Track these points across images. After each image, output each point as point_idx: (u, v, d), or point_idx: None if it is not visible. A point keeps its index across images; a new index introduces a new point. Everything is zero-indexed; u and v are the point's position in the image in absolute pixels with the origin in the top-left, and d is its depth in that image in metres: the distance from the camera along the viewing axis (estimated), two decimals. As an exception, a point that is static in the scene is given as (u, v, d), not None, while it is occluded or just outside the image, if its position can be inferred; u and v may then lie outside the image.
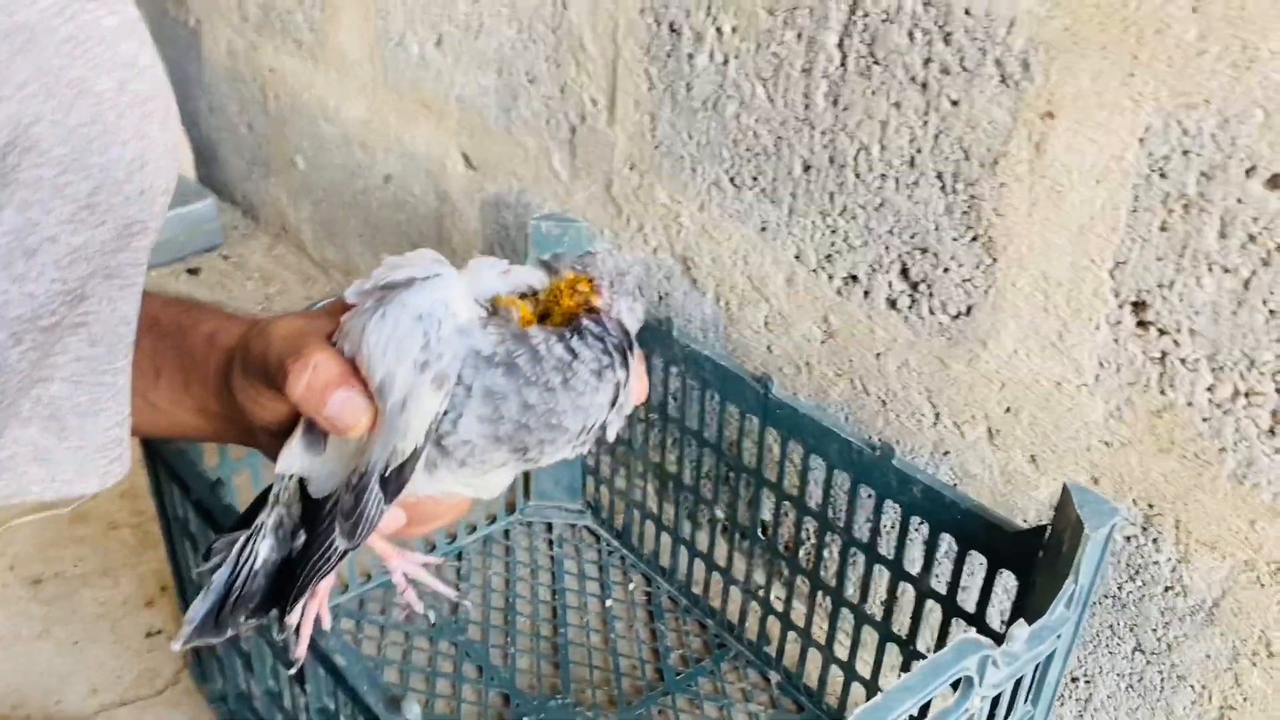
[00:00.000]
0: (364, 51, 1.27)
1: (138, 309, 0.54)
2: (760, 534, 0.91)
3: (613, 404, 0.45)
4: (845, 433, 0.77)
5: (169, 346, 0.60)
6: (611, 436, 0.47)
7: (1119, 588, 0.74)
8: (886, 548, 0.79)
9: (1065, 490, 0.64)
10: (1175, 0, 0.59)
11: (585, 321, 0.44)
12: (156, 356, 0.59)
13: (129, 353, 0.55)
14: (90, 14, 0.48)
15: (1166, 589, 0.72)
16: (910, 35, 0.72)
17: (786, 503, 0.86)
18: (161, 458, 0.75)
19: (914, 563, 0.78)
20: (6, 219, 0.46)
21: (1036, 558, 0.67)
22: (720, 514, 0.93)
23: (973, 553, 0.72)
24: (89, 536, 1.05)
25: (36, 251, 0.47)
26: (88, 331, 0.52)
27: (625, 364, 0.45)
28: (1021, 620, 0.59)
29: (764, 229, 0.88)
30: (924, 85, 0.73)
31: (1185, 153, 0.61)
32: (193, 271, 1.56)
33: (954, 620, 0.75)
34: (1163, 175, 0.63)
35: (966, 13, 0.69)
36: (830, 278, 0.84)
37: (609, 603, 0.99)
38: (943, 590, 0.75)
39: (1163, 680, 0.74)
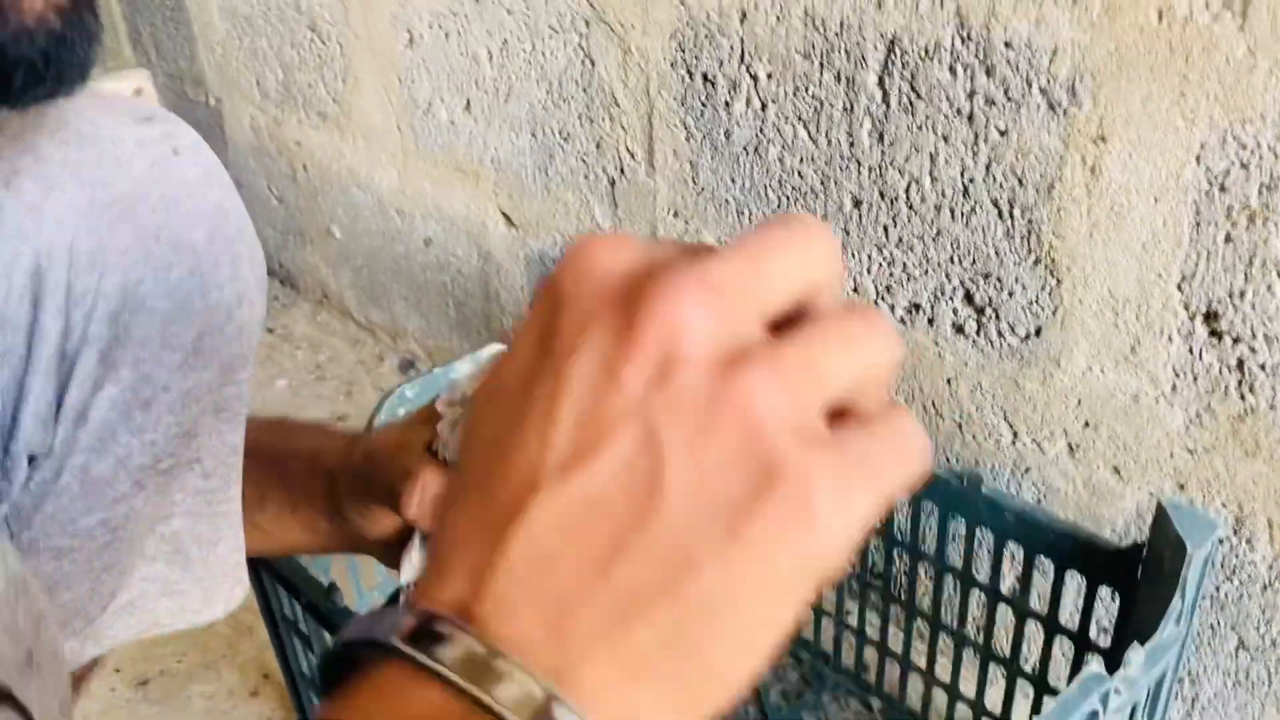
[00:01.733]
0: (391, 120, 1.28)
1: (242, 439, 0.56)
2: (849, 565, 0.92)
3: None
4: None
5: (272, 472, 0.62)
6: None
7: (1217, 588, 0.75)
8: (981, 573, 0.80)
9: (1160, 508, 0.65)
10: (1221, 19, 0.60)
11: None
12: (261, 483, 0.61)
13: (239, 481, 0.57)
14: (178, 170, 0.50)
15: (1265, 587, 0.72)
16: (951, 70, 0.73)
17: (874, 538, 0.87)
18: (264, 562, 0.77)
19: (1010, 585, 0.79)
20: (123, 377, 0.48)
21: (1136, 574, 0.68)
22: (804, 547, 0.94)
23: (1070, 571, 0.73)
24: (186, 632, 1.07)
25: (152, 403, 0.49)
26: (201, 466, 0.54)
27: None
28: (1135, 644, 0.60)
29: (818, 265, 0.89)
30: (970, 117, 0.74)
31: (1244, 166, 0.62)
32: (242, 348, 1.58)
33: (1056, 637, 0.76)
34: (1223, 189, 0.64)
35: (1007, 45, 0.70)
36: (892, 308, 0.85)
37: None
38: (1042, 610, 0.76)
39: (1270, 674, 0.75)
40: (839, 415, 0.27)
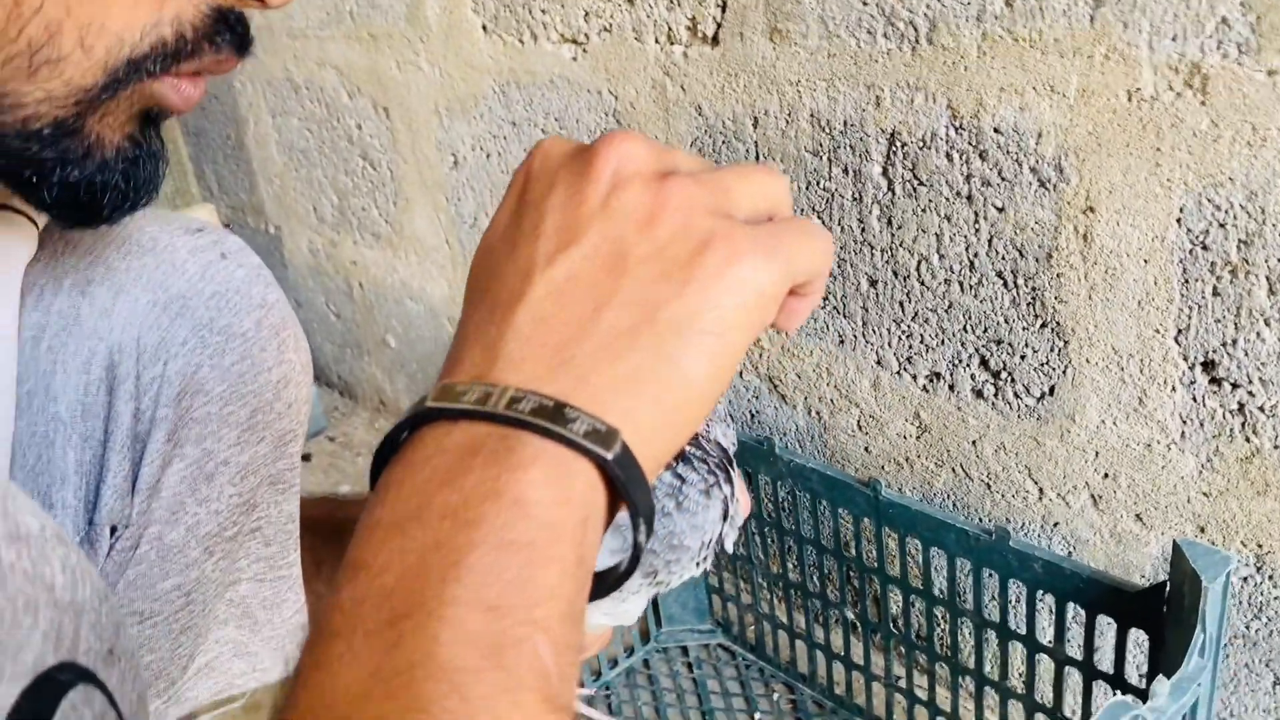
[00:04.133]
0: (440, 235, 1.38)
1: (298, 508, 0.62)
2: (892, 628, 0.95)
3: (724, 517, 0.52)
4: (959, 522, 0.82)
5: (324, 541, 0.69)
6: (730, 547, 0.53)
7: (1246, 626, 0.78)
8: (1017, 623, 0.83)
9: (1176, 546, 0.68)
10: (1184, 97, 0.66)
11: (686, 448, 0.51)
12: (315, 551, 0.68)
13: (297, 548, 0.63)
14: (226, 270, 0.58)
15: (1293, 622, 0.75)
16: (948, 156, 0.80)
17: (913, 595, 0.91)
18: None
19: (1046, 633, 0.82)
20: (188, 453, 0.55)
21: (1162, 613, 0.72)
22: (850, 615, 0.98)
23: (1101, 616, 0.76)
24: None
25: (215, 475, 0.56)
26: (262, 534, 0.60)
27: (729, 479, 0.52)
28: (1161, 676, 0.64)
29: (842, 342, 0.95)
30: (969, 198, 0.80)
31: (1221, 225, 0.68)
32: (305, 458, 1.66)
33: (1095, 682, 0.79)
34: (1205, 247, 0.69)
35: (996, 130, 0.77)
36: (914, 377, 0.91)
37: (758, 716, 1.04)
38: (1078, 655, 0.79)
39: (1309, 710, 0.77)
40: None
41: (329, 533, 0.69)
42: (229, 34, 0.40)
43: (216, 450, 0.56)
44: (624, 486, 0.32)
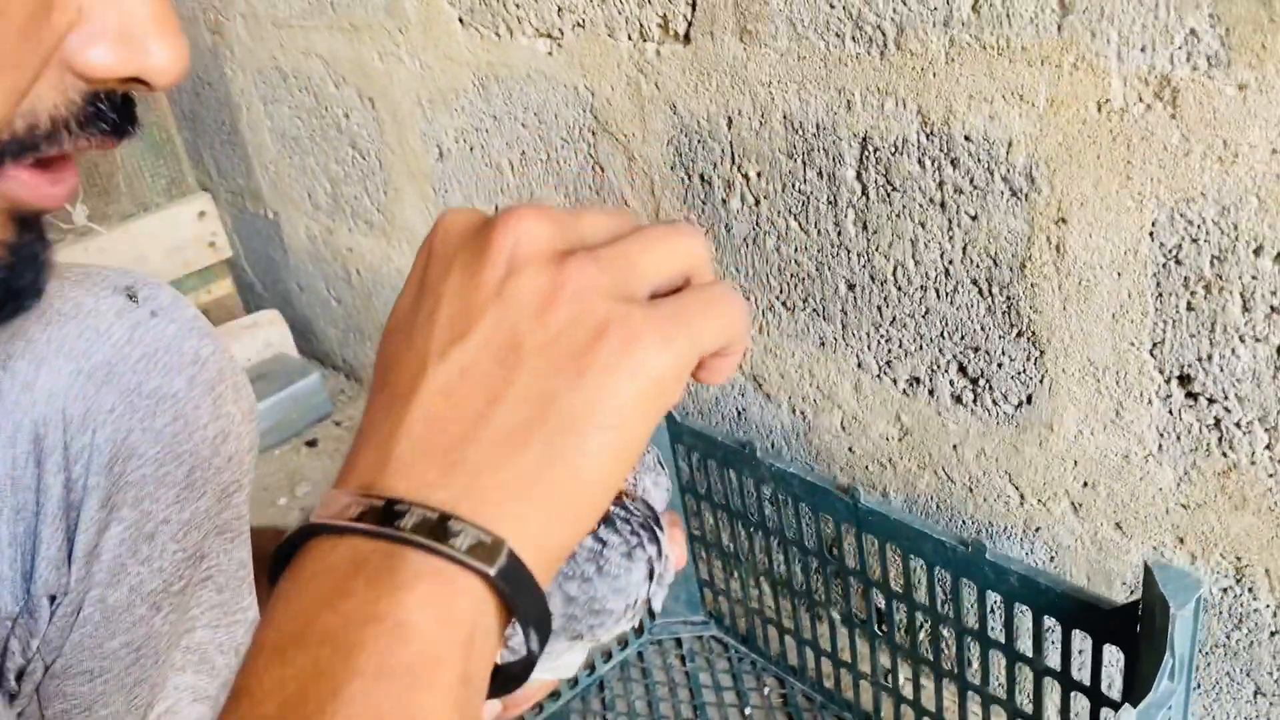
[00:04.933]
0: (429, 226, 1.37)
1: (249, 553, 0.63)
2: (877, 628, 0.95)
3: (650, 577, 0.51)
4: (936, 533, 0.81)
5: None
6: (657, 607, 0.53)
7: (1227, 636, 0.77)
8: (997, 632, 0.83)
9: (1147, 569, 0.68)
10: (1154, 109, 0.64)
11: (610, 508, 0.50)
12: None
13: (252, 591, 0.63)
14: (155, 330, 0.57)
15: (1273, 634, 0.74)
16: (920, 163, 0.78)
17: (895, 600, 0.90)
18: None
19: (1025, 644, 0.82)
20: (125, 516, 0.55)
21: (1136, 631, 0.71)
22: (836, 615, 0.98)
23: (1076, 630, 0.75)
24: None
25: (155, 535, 0.56)
26: (214, 582, 0.61)
27: (655, 539, 0.51)
28: (1127, 705, 0.63)
29: (823, 344, 0.94)
30: (942, 205, 0.78)
31: (1194, 240, 0.66)
32: (310, 444, 1.67)
33: (1072, 692, 0.78)
34: (1178, 262, 0.67)
35: (967, 138, 0.74)
36: (895, 381, 0.89)
37: (748, 710, 1.04)
38: (1056, 666, 0.79)
39: (1291, 718, 0.76)
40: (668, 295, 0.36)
41: None
42: (100, 122, 0.39)
43: (155, 511, 0.56)
44: (510, 599, 0.31)
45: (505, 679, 0.35)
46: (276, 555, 0.33)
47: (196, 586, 0.60)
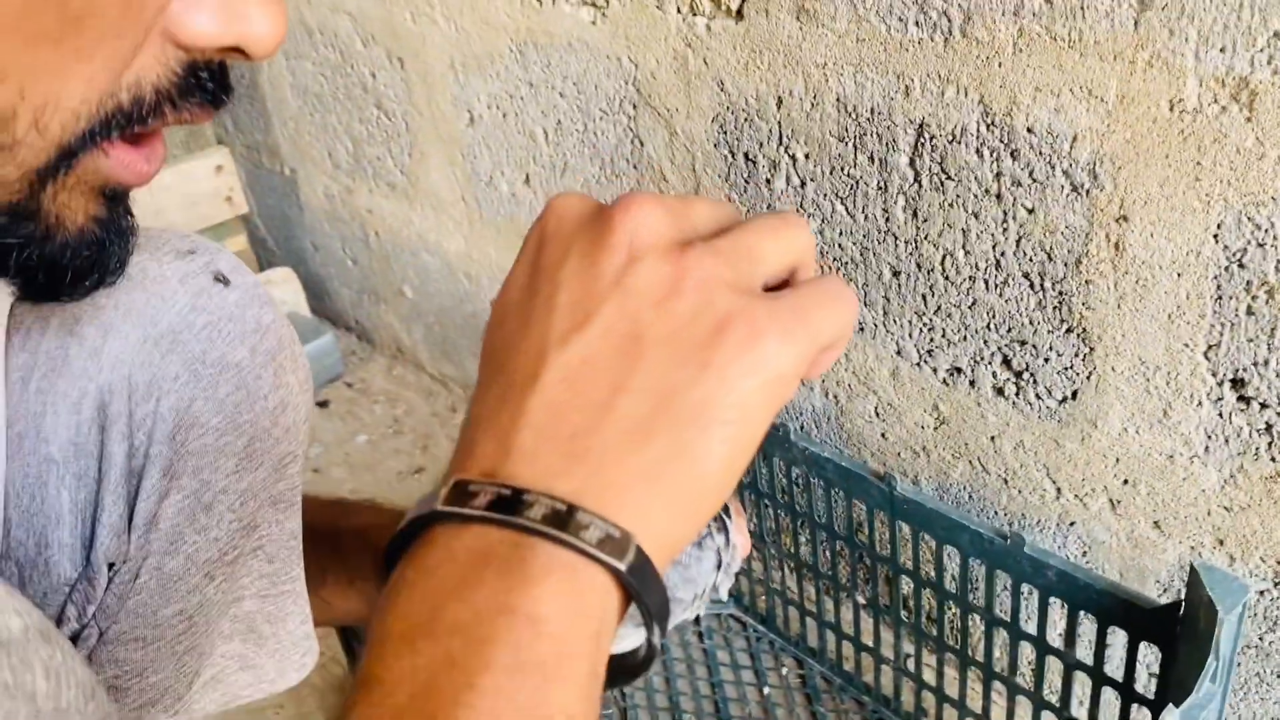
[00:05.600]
0: (456, 192, 1.36)
1: (300, 523, 0.62)
2: (903, 615, 0.96)
3: (718, 566, 0.51)
4: (974, 524, 0.81)
5: (329, 549, 0.69)
6: (724, 595, 0.53)
7: (1260, 638, 0.78)
8: (1029, 624, 0.83)
9: (1193, 571, 0.68)
10: (1229, 111, 0.63)
11: None
12: (322, 561, 0.68)
13: (300, 562, 0.63)
14: (217, 297, 0.56)
15: (1308, 638, 0.75)
16: (978, 153, 0.77)
17: (925, 587, 0.91)
18: (355, 633, 0.83)
19: (1056, 636, 0.82)
20: (185, 485, 0.55)
21: (1176, 631, 0.71)
22: (861, 599, 0.98)
23: (1113, 628, 0.76)
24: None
25: (213, 505, 0.56)
26: (264, 553, 0.60)
27: (724, 527, 0.51)
28: (1171, 706, 0.63)
29: (862, 329, 0.93)
30: (998, 196, 0.78)
31: (1260, 245, 0.65)
32: (322, 405, 1.67)
33: (1103, 687, 0.79)
34: (1241, 265, 0.67)
35: (1029, 130, 0.74)
36: (935, 370, 0.89)
37: (766, 690, 1.05)
38: (1089, 660, 0.79)
39: (1318, 720, 0.77)
40: (781, 286, 0.36)
41: (334, 542, 0.69)
42: (199, 93, 0.38)
43: (214, 480, 0.55)
44: (637, 593, 0.31)
45: (620, 672, 0.35)
46: (393, 542, 0.33)
47: (248, 556, 0.60)
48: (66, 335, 0.51)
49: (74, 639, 0.55)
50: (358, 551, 0.69)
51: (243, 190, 1.84)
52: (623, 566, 0.30)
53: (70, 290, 0.41)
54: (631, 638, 0.34)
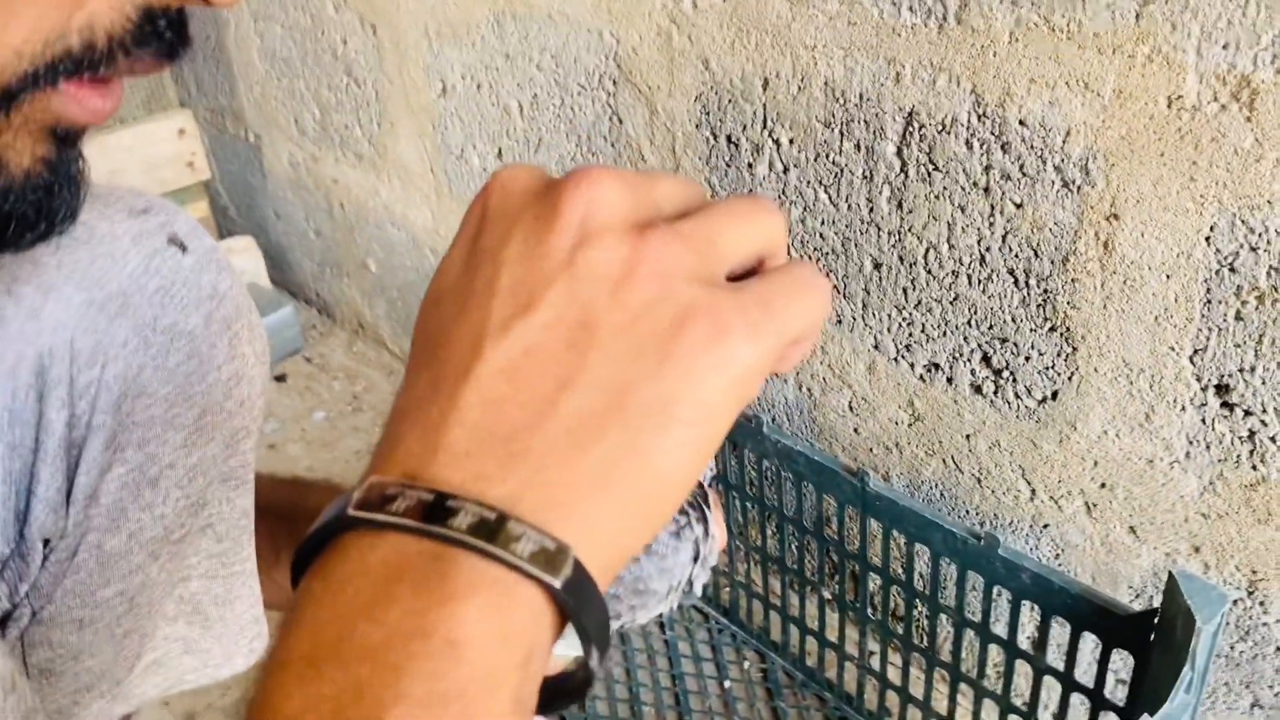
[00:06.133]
0: (425, 164, 1.32)
1: (252, 502, 0.59)
2: (869, 612, 0.94)
3: (695, 559, 0.48)
4: (947, 524, 0.80)
5: (284, 528, 0.65)
6: (698, 590, 0.50)
7: (1231, 647, 0.77)
8: (1000, 628, 0.82)
9: (1171, 579, 0.66)
10: (1228, 110, 0.62)
11: None
12: (274, 538, 0.64)
13: (251, 542, 0.60)
14: (171, 260, 0.53)
15: (1278, 649, 0.74)
16: (968, 144, 0.75)
17: (894, 586, 0.89)
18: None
19: (1026, 640, 0.81)
20: (130, 458, 0.51)
21: (1150, 639, 0.70)
22: (827, 595, 0.97)
23: (1086, 633, 0.74)
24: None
25: (159, 480, 0.52)
26: (213, 531, 0.57)
27: (703, 518, 0.48)
28: (1146, 716, 0.62)
29: (839, 321, 0.91)
30: (986, 190, 0.76)
31: (1253, 249, 0.64)
32: (280, 379, 1.62)
33: (1073, 693, 0.78)
34: (1233, 270, 0.65)
35: (1021, 123, 0.72)
36: (912, 365, 0.87)
37: (727, 684, 1.03)
38: (1059, 666, 0.78)
39: (1284, 731, 0.76)
40: (748, 275, 0.32)
41: (289, 521, 0.66)
42: (155, 40, 0.35)
43: (161, 454, 0.52)
44: (574, 612, 0.28)
45: (556, 695, 0.31)
46: (301, 549, 0.29)
47: (196, 535, 0.56)
48: (3, 295, 0.48)
49: (3, 620, 0.51)
50: None
51: (205, 155, 1.79)
52: (557, 583, 0.27)
53: (16, 240, 0.37)
54: (573, 650, 0.31)
